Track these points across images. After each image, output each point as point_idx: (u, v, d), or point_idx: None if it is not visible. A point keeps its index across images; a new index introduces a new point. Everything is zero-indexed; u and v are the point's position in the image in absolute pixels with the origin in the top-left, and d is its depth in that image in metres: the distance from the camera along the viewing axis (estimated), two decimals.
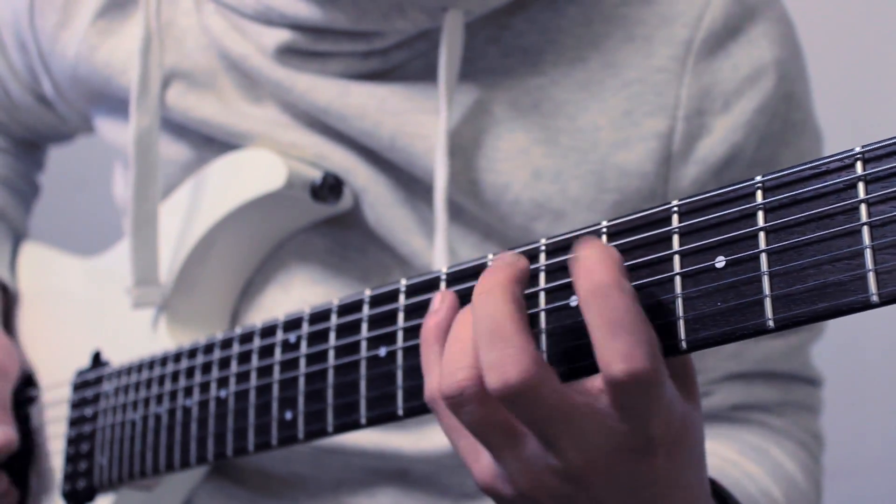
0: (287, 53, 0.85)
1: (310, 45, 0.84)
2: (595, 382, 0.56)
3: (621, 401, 0.54)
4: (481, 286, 0.57)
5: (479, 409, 0.57)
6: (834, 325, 0.91)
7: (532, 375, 0.54)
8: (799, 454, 0.88)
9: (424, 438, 0.87)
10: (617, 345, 0.53)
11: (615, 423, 0.55)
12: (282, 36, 0.85)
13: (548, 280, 0.60)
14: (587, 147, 0.82)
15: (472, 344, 0.57)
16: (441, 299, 0.62)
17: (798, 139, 0.85)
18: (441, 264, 0.80)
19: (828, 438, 0.93)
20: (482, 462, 0.60)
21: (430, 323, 0.62)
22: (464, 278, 0.64)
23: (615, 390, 0.54)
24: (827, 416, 0.93)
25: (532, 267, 0.60)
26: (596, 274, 0.54)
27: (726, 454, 0.83)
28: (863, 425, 1.28)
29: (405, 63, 0.84)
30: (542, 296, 0.60)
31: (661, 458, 0.57)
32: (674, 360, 0.58)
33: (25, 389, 1.01)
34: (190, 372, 0.82)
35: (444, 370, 0.58)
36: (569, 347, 0.59)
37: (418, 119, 0.83)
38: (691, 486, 0.60)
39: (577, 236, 0.60)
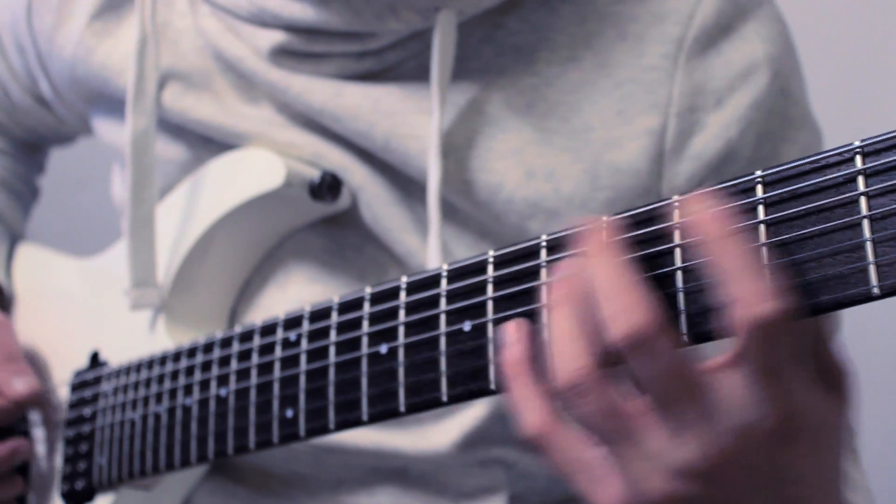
0: (281, 55, 0.85)
1: (304, 47, 0.85)
2: (723, 357, 0.53)
3: (760, 361, 0.51)
4: (583, 254, 0.56)
5: (599, 397, 0.54)
6: None
7: (657, 318, 0.52)
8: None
9: (424, 438, 0.87)
10: (754, 283, 0.50)
11: (749, 391, 0.52)
12: (276, 37, 0.85)
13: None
14: (580, 146, 0.82)
15: (579, 333, 0.55)
16: (517, 328, 0.59)
17: (798, 134, 0.85)
18: (435, 264, 0.80)
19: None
20: (609, 490, 0.55)
21: (512, 356, 0.59)
22: (464, 275, 0.65)
23: (753, 343, 0.51)
24: None
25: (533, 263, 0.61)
26: (713, 223, 0.52)
27: None
28: (863, 425, 1.28)
29: (399, 63, 0.85)
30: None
31: (805, 447, 0.53)
32: (818, 352, 0.55)
33: None
34: (189, 370, 0.82)
35: (557, 366, 0.55)
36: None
37: (412, 120, 0.83)
38: (834, 491, 0.55)
39: (576, 232, 0.60)
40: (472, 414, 0.86)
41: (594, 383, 0.54)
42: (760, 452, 0.52)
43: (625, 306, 0.53)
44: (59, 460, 0.96)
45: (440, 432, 0.87)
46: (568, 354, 0.55)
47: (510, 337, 0.59)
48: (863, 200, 0.50)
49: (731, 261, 0.51)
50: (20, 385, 0.93)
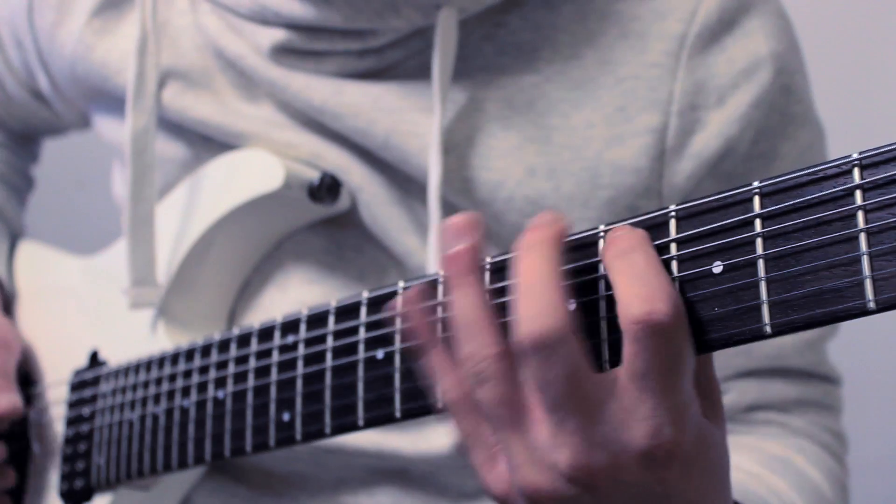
0: (282, 53, 0.85)
1: (305, 45, 0.84)
2: (618, 372, 0.55)
3: (636, 365, 0.53)
4: (524, 243, 0.57)
5: (497, 386, 0.56)
6: (833, 326, 0.91)
7: (558, 328, 0.54)
8: (823, 459, 0.86)
9: (423, 439, 0.87)
10: (637, 288, 0.53)
11: (623, 412, 0.54)
12: (277, 35, 0.85)
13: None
14: (581, 144, 0.82)
15: (488, 322, 0.57)
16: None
17: (798, 132, 0.85)
18: (435, 263, 0.80)
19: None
20: (498, 469, 0.59)
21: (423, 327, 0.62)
22: None
23: (632, 345, 0.53)
24: None
25: None
26: (619, 241, 0.55)
27: (749, 467, 0.81)
28: (863, 425, 1.28)
29: (400, 62, 0.84)
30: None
31: (675, 473, 0.55)
32: (699, 377, 0.57)
33: (24, 389, 1.01)
34: (188, 373, 0.82)
35: (463, 350, 0.58)
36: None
37: (412, 117, 0.83)
38: None
39: (577, 240, 0.60)
40: None
41: (494, 373, 0.56)
42: (631, 469, 0.54)
43: (534, 310, 0.54)
44: (57, 460, 0.96)
45: (440, 434, 0.87)
46: (475, 342, 0.57)
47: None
48: (860, 214, 0.50)
49: (623, 267, 0.54)
50: (2, 401, 0.94)
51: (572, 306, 0.56)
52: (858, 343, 1.36)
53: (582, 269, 0.57)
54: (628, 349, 0.53)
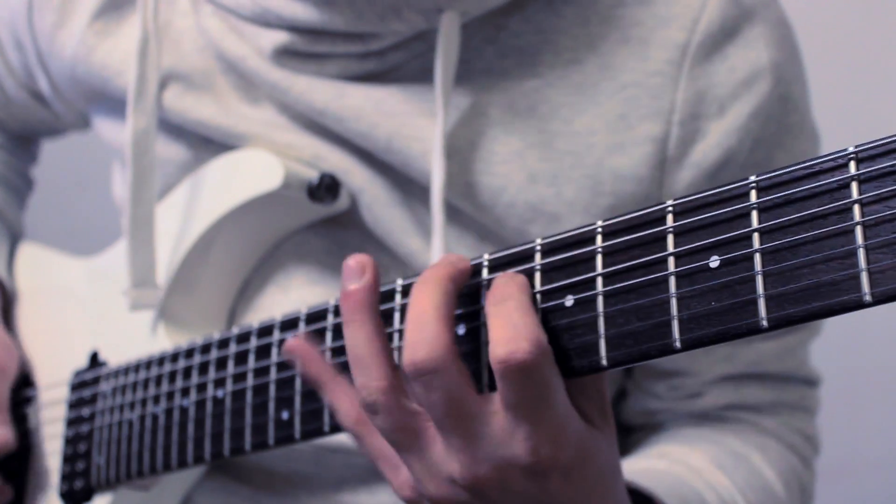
0: (284, 55, 0.85)
1: (307, 47, 0.84)
2: (496, 396, 0.60)
3: (507, 396, 0.58)
4: (420, 277, 0.62)
5: (390, 414, 0.62)
6: (833, 326, 0.91)
7: (437, 358, 0.59)
8: (785, 459, 0.88)
9: None
10: (504, 333, 0.58)
11: (502, 433, 0.59)
12: (279, 37, 0.85)
13: (543, 281, 0.61)
14: (582, 151, 0.81)
15: (374, 357, 0.62)
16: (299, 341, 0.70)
17: (794, 142, 0.85)
18: None
19: (828, 438, 0.92)
20: (401, 476, 0.65)
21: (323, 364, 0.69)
22: None
23: (500, 383, 0.58)
24: (827, 416, 0.93)
25: (527, 266, 0.62)
26: (498, 289, 0.61)
27: (696, 463, 0.83)
28: (863, 425, 1.28)
29: (402, 65, 0.84)
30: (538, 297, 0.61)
31: (556, 482, 0.60)
32: (585, 382, 0.62)
33: (23, 389, 1.01)
34: (187, 372, 0.82)
35: (355, 381, 0.63)
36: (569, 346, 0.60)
37: (415, 121, 0.83)
38: None
39: (572, 236, 0.60)
40: None
41: (385, 403, 0.62)
42: (516, 480, 0.60)
43: (418, 338, 0.59)
44: (56, 460, 0.96)
45: None
46: (365, 375, 0.62)
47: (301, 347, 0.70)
48: (856, 207, 0.50)
49: (496, 311, 0.59)
50: None
51: (462, 331, 0.63)
52: (859, 343, 1.36)
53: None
54: (498, 385, 0.59)
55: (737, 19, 0.82)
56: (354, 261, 0.64)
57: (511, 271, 0.62)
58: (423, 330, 0.59)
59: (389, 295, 0.68)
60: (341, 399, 0.67)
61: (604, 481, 0.63)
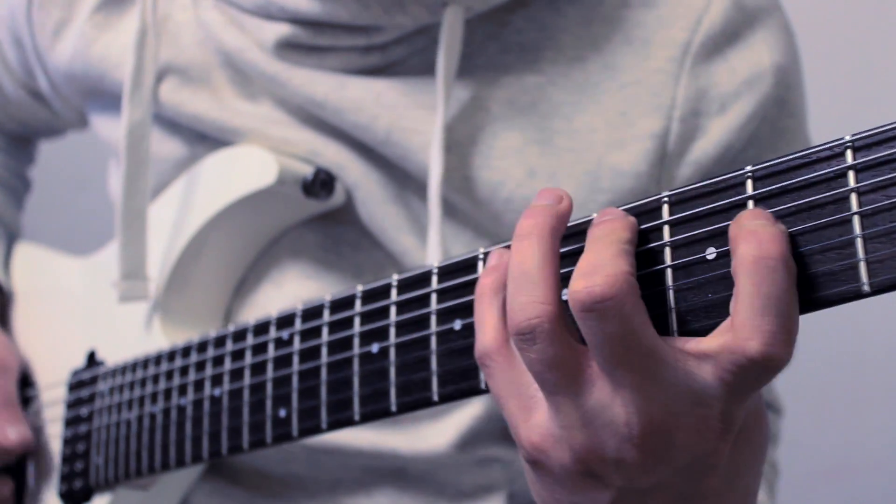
0: (286, 48, 0.85)
1: (309, 40, 0.84)
2: (706, 344, 0.52)
3: (731, 378, 0.51)
4: (601, 215, 0.56)
5: (549, 347, 0.53)
6: (833, 326, 0.91)
7: (619, 285, 0.51)
8: None
9: (421, 438, 0.87)
10: (764, 323, 0.50)
11: (708, 394, 0.52)
12: (281, 30, 0.84)
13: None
14: (582, 148, 0.82)
15: (545, 278, 0.54)
16: (500, 256, 0.59)
17: (787, 147, 0.85)
18: (435, 259, 0.79)
19: (828, 438, 0.92)
20: (535, 418, 0.55)
21: (488, 279, 0.58)
22: (455, 272, 0.64)
23: (733, 366, 0.51)
24: (827, 416, 0.93)
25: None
26: (766, 244, 0.50)
27: None
28: (863, 425, 1.28)
29: (404, 59, 0.84)
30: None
31: (731, 442, 0.53)
32: None
33: (22, 390, 1.01)
34: (184, 370, 0.81)
35: (513, 307, 0.54)
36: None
37: (414, 114, 0.83)
38: (747, 491, 0.56)
39: (578, 224, 0.59)
40: (469, 413, 0.86)
41: (542, 334, 0.53)
42: (690, 433, 0.52)
43: (593, 264, 0.52)
44: (56, 460, 0.96)
45: (437, 432, 0.86)
46: (525, 299, 0.54)
47: (490, 262, 0.59)
48: (853, 196, 0.49)
49: (765, 287, 0.50)
50: (13, 434, 0.95)
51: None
52: (859, 343, 1.36)
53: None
54: (720, 367, 0.51)
55: (739, 23, 0.82)
56: (551, 190, 0.57)
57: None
58: (601, 255, 0.53)
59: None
60: (488, 318, 0.58)
61: (760, 461, 0.56)
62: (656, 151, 0.81)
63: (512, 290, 0.55)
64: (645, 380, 0.52)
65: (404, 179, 0.85)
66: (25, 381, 1.02)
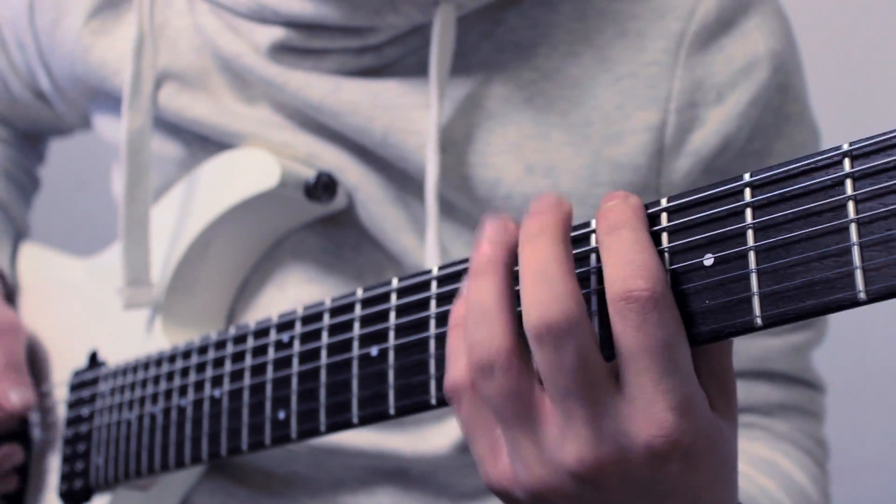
0: (281, 51, 0.85)
1: (303, 42, 0.84)
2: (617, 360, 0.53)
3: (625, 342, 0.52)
4: (529, 229, 0.55)
5: (506, 380, 0.54)
6: (833, 326, 0.91)
7: (573, 316, 0.52)
8: (806, 463, 0.86)
9: (422, 440, 0.87)
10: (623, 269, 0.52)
11: (631, 403, 0.53)
12: (275, 33, 0.85)
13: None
14: (579, 142, 0.82)
15: (501, 312, 0.55)
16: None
17: (793, 131, 0.85)
18: (432, 260, 0.79)
19: (828, 438, 0.92)
20: (500, 462, 0.57)
21: (455, 309, 0.59)
22: (456, 277, 0.64)
23: (621, 321, 0.52)
24: (827, 416, 0.93)
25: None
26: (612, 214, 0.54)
27: (740, 467, 0.81)
28: (863, 425, 1.28)
29: (399, 59, 0.84)
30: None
31: (676, 466, 0.54)
32: (715, 371, 0.56)
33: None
34: (184, 372, 0.82)
35: (472, 342, 0.55)
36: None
37: (411, 114, 0.83)
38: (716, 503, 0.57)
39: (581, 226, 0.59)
40: None
41: (501, 368, 0.54)
42: (639, 463, 0.53)
43: (545, 296, 0.53)
44: (57, 460, 0.96)
45: (439, 434, 0.87)
46: (482, 331, 0.55)
47: (460, 290, 0.59)
48: (850, 204, 0.49)
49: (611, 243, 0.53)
50: (15, 397, 0.94)
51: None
52: (859, 343, 1.36)
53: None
54: (615, 329, 0.53)
55: (733, 11, 0.82)
56: (496, 221, 0.57)
57: (622, 193, 0.56)
58: (552, 286, 0.52)
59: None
60: (458, 353, 0.58)
61: (727, 477, 0.57)
62: (654, 144, 0.81)
63: (470, 325, 0.56)
64: (594, 411, 0.53)
65: (403, 180, 0.85)
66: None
